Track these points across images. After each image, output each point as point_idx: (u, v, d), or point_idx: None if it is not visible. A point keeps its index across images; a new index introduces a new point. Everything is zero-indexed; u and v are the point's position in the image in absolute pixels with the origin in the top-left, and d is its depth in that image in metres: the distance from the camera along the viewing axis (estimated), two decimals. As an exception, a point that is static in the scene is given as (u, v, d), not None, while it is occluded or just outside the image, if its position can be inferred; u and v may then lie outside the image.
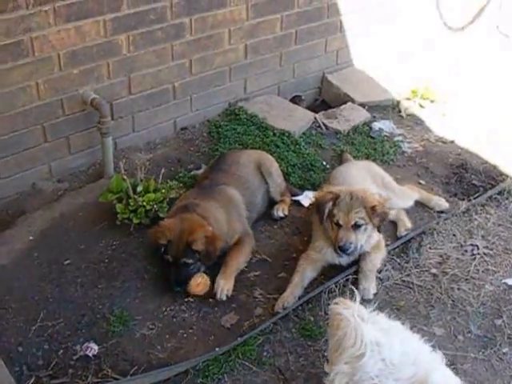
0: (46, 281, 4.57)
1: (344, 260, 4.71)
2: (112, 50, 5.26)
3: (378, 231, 4.63)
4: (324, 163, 6.00)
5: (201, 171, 5.69)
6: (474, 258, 4.95)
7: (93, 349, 4.10)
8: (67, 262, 4.72)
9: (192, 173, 5.68)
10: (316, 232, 4.78)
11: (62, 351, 4.12)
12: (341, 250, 4.51)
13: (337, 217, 4.50)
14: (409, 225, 5.11)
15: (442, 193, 5.74)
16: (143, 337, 4.27)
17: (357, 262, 4.72)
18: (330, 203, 4.52)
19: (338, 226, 4.51)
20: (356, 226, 4.50)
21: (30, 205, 5.24)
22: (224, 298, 4.52)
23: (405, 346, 3.29)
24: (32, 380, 3.93)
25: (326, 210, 4.52)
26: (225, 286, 4.54)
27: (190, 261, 4.53)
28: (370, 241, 4.65)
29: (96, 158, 5.65)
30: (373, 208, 4.49)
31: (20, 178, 5.25)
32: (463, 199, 5.66)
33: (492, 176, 5.96)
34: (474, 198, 5.54)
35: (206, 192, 4.95)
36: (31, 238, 4.85)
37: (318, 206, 4.62)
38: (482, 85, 7.20)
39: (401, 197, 5.29)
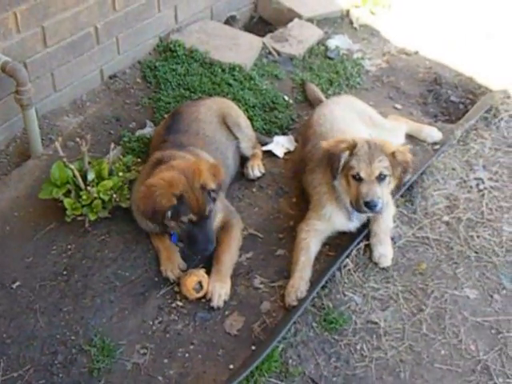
0: (-5, 316, 3.57)
1: (355, 225, 3.98)
2: (18, -5, 4.10)
3: (399, 186, 3.89)
4: (286, 98, 5.17)
5: (148, 130, 4.68)
6: (483, 195, 4.39)
7: (80, 398, 3.23)
8: (16, 284, 3.69)
9: (137, 134, 4.66)
10: (319, 195, 3.94)
11: (41, 409, 3.23)
12: (368, 206, 3.70)
13: (356, 169, 3.70)
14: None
15: (422, 116, 5.19)
16: (137, 367, 3.43)
17: (365, 226, 4.00)
18: (346, 153, 3.72)
19: (359, 180, 3.73)
20: (380, 179, 3.73)
21: None
22: (222, 306, 3.70)
23: None
24: None
25: (342, 162, 3.72)
26: (222, 291, 3.70)
27: (212, 206, 3.63)
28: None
29: (14, 132, 4.54)
30: (393, 154, 3.75)
31: None
32: (447, 120, 5.17)
33: (469, 89, 5.47)
34: (463, 122, 4.91)
35: (176, 149, 3.96)
36: (-42, 257, 3.76)
37: (329, 157, 3.77)
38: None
39: (392, 133, 4.58)
